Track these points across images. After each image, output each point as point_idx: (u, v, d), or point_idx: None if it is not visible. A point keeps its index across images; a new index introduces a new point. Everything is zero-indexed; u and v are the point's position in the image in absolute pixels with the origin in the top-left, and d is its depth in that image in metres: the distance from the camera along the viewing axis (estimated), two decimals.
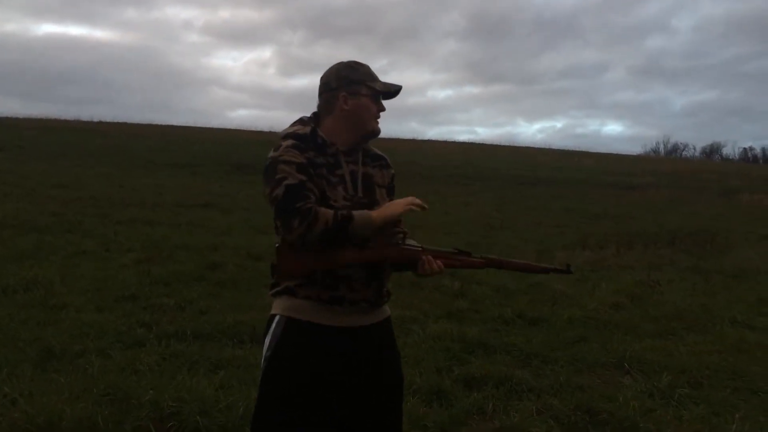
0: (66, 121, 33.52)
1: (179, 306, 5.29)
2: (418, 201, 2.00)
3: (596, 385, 4.00)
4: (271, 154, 1.96)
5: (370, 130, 2.08)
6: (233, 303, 5.46)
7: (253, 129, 37.67)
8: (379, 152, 2.18)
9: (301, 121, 2.08)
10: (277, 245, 1.98)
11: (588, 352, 4.59)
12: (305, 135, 2.02)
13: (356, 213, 1.91)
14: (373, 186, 2.09)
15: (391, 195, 2.17)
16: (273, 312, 2.02)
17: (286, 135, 2.02)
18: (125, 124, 35.44)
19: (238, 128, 39.14)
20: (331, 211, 1.89)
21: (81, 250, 7.46)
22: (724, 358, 4.48)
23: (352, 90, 2.04)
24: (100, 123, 34.76)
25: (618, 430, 3.36)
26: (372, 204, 2.04)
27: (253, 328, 4.48)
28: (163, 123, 38.13)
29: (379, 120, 2.10)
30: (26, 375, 3.62)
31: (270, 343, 1.99)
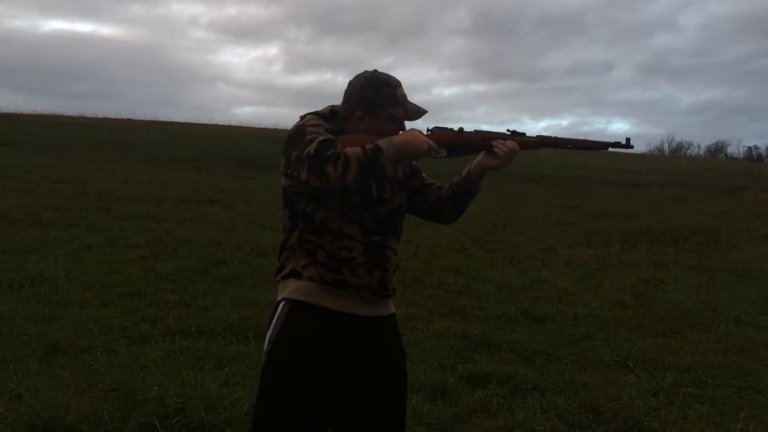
0: (71, 117, 33.59)
1: (184, 302, 5.29)
2: (433, 145, 2.00)
3: (600, 383, 4.00)
4: (297, 123, 1.98)
5: None
6: (237, 299, 5.46)
7: (257, 126, 37.70)
8: None
9: (323, 108, 2.11)
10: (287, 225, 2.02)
11: (592, 350, 4.58)
12: (325, 114, 2.05)
13: (381, 142, 1.91)
14: (383, 183, 2.07)
15: (414, 179, 2.18)
16: (279, 298, 2.03)
17: (309, 112, 2.06)
18: (130, 120, 35.52)
19: (243, 125, 39.22)
20: (357, 148, 1.88)
21: (85, 246, 7.47)
22: (728, 357, 4.48)
23: (370, 111, 2.02)
24: (105, 119, 34.85)
25: (622, 429, 3.36)
26: (378, 201, 2.03)
27: (258, 324, 4.48)
28: (168, 119, 38.24)
29: None
30: (31, 370, 3.62)
31: (274, 326, 1.99)
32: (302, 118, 2.03)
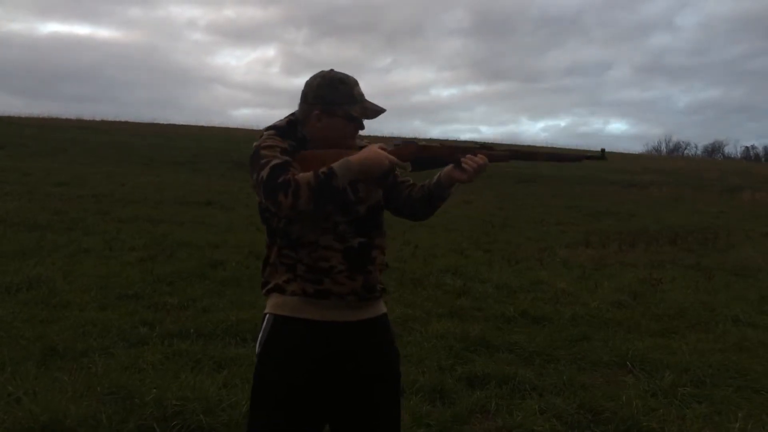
0: (68, 120, 33.57)
1: (182, 304, 5.29)
2: (395, 160, 1.98)
3: (599, 383, 4.00)
4: (255, 143, 1.98)
5: (343, 147, 2.03)
6: (235, 301, 5.46)
7: (255, 128, 37.69)
8: (364, 144, 2.12)
9: (282, 120, 2.08)
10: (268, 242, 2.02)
11: (590, 350, 4.59)
12: (282, 127, 2.03)
13: (336, 164, 1.89)
14: (356, 183, 2.02)
15: (385, 177, 2.12)
16: (264, 311, 2.04)
17: (268, 127, 2.04)
18: (127, 122, 35.52)
19: (240, 127, 39.26)
20: (309, 173, 1.87)
21: (83, 248, 7.46)
22: (726, 357, 4.48)
23: (327, 109, 2.00)
24: (103, 121, 34.83)
25: (621, 429, 3.36)
26: (354, 202, 2.01)
27: (256, 326, 4.45)
28: (165, 121, 38.27)
29: (355, 137, 2.07)
30: (30, 373, 3.62)
31: (260, 340, 2.01)
32: (266, 130, 2.02)
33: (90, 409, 3.15)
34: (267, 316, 2.02)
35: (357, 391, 2.00)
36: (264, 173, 1.87)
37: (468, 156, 2.03)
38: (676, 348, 4.70)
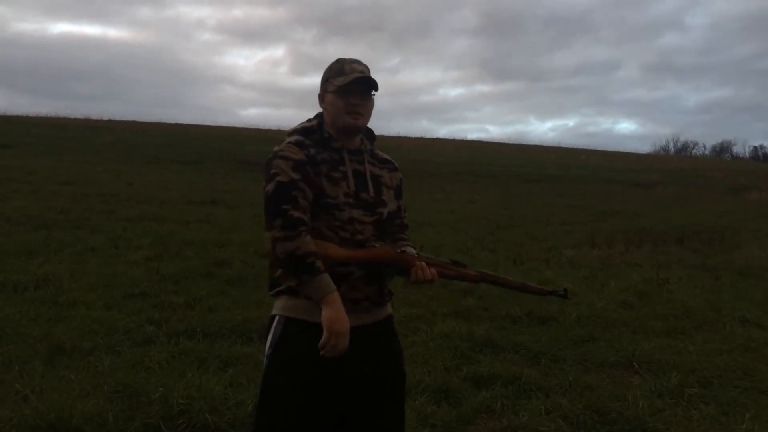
0: (75, 119, 33.70)
1: (188, 303, 5.30)
2: (344, 344, 1.90)
3: (605, 384, 3.99)
4: (275, 148, 1.99)
5: (342, 124, 2.02)
6: (241, 300, 5.47)
7: (260, 127, 37.81)
8: (386, 156, 2.19)
9: (309, 120, 2.10)
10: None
11: (596, 350, 4.57)
12: (312, 128, 2.04)
13: (321, 278, 1.85)
14: (381, 186, 2.09)
15: (399, 198, 2.17)
16: (273, 312, 2.03)
17: (293, 131, 2.05)
18: (134, 122, 35.64)
19: (246, 126, 39.37)
20: (310, 247, 1.85)
21: (90, 247, 7.48)
22: (733, 358, 4.46)
23: (324, 88, 2.06)
24: (110, 121, 34.96)
25: (627, 430, 3.34)
26: (378, 204, 2.04)
27: (262, 325, 4.48)
28: (172, 121, 38.42)
29: (353, 114, 2.01)
30: (37, 372, 3.63)
31: (271, 342, 2.00)
32: (290, 134, 2.03)
33: (96, 407, 3.16)
34: (278, 317, 2.00)
35: (364, 393, 2.00)
36: (270, 188, 1.89)
37: (420, 265, 1.98)
38: (683, 348, 4.68)
